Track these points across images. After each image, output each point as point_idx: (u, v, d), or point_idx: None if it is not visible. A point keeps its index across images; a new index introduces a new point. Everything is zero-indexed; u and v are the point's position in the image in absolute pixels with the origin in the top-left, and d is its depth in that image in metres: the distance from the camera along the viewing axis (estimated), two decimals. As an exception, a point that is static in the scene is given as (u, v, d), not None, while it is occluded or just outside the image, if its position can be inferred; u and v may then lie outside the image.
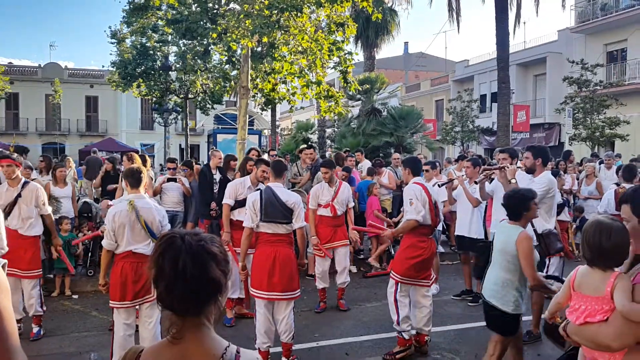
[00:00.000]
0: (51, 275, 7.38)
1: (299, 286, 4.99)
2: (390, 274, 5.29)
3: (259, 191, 5.05)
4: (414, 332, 5.29)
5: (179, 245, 1.56)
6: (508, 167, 5.58)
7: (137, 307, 4.57)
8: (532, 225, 5.33)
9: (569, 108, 20.27)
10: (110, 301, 4.49)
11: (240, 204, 6.01)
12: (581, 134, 19.66)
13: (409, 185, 5.34)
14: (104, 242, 4.54)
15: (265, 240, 4.96)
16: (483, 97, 29.71)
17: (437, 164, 9.82)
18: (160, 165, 24.83)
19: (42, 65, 38.69)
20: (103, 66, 30.77)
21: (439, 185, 7.42)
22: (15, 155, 6.14)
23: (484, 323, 4.14)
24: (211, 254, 1.57)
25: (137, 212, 4.47)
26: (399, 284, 5.18)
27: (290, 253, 4.99)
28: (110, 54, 32.33)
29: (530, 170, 5.58)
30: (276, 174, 5.13)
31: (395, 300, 5.16)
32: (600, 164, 11.24)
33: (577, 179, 10.32)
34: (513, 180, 5.44)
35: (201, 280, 1.54)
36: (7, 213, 5.57)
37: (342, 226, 6.94)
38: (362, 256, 9.27)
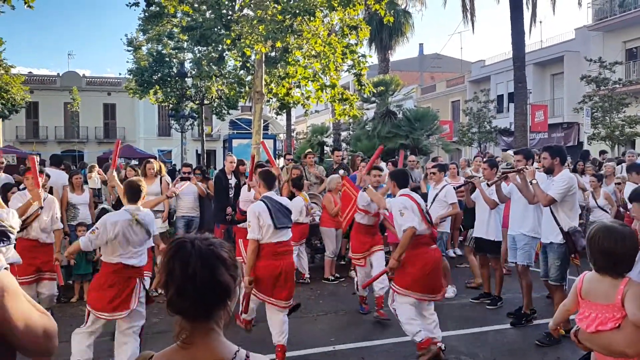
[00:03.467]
0: (70, 282, 7.47)
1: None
2: (391, 285, 5.15)
3: (262, 202, 4.90)
4: (426, 333, 5.11)
5: (189, 249, 1.56)
6: (527, 169, 5.50)
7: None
8: (558, 224, 5.27)
9: (587, 107, 19.98)
10: None
11: None
12: (600, 133, 19.36)
13: (394, 199, 5.20)
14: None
15: (270, 252, 4.82)
16: (500, 97, 29.44)
17: (455, 165, 9.75)
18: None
19: (60, 74, 39.24)
20: (120, 74, 31.26)
21: (454, 187, 7.37)
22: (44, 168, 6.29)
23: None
24: (221, 259, 1.58)
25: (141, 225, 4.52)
26: (395, 294, 5.08)
27: (293, 262, 5.19)
28: (127, 62, 32.69)
29: (549, 171, 5.52)
30: (269, 186, 5.09)
31: (394, 309, 5.09)
32: (618, 164, 11.02)
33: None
34: (534, 181, 5.37)
35: (211, 285, 1.54)
36: (28, 224, 5.67)
37: (377, 232, 6.92)
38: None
